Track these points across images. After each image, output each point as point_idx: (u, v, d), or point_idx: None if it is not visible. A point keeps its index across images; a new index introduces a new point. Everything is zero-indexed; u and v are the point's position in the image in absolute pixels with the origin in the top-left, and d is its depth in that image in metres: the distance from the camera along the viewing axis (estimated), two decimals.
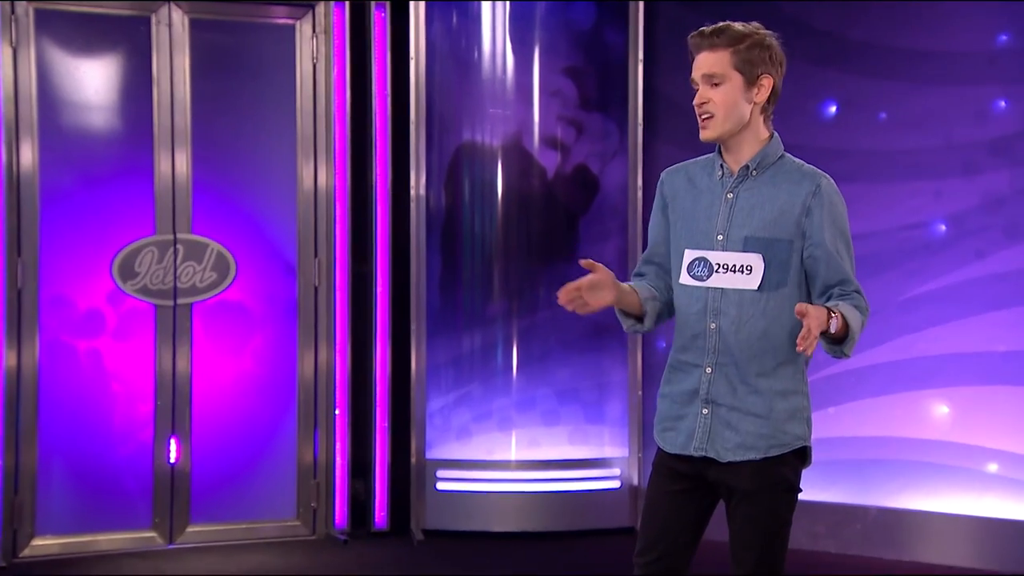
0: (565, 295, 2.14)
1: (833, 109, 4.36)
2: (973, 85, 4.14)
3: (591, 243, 4.59)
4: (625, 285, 2.22)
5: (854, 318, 2.11)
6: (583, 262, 2.13)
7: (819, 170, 2.23)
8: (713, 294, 2.18)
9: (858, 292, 2.18)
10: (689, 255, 2.20)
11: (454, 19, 4.54)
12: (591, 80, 4.56)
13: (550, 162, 4.56)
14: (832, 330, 2.05)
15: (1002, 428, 4.11)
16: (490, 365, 4.53)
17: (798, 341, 1.99)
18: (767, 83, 2.18)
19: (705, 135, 2.19)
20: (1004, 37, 4.11)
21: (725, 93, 2.16)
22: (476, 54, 4.51)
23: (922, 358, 4.22)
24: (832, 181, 2.22)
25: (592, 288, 2.14)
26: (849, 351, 2.13)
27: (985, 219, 4.13)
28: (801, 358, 2.20)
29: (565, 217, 4.59)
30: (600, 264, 2.17)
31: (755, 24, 2.20)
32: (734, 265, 2.16)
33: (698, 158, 2.30)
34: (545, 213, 4.55)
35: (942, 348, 4.18)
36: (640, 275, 2.35)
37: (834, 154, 4.23)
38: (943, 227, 4.20)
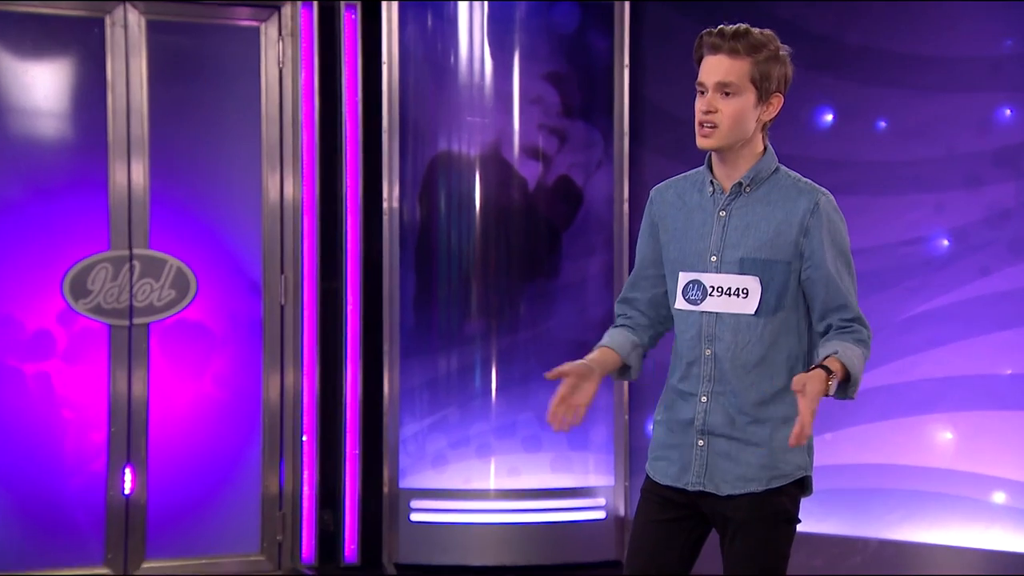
0: (555, 421, 2.14)
1: (829, 117, 4.36)
2: (976, 92, 4.13)
3: (574, 259, 4.58)
4: (599, 353, 2.19)
5: (855, 361, 2.08)
6: (547, 375, 2.12)
7: (817, 185, 2.20)
8: (708, 319, 2.16)
9: (858, 321, 2.15)
10: (683, 278, 2.18)
11: (429, 21, 4.51)
12: (574, 86, 4.55)
13: (531, 173, 4.55)
14: (831, 393, 2.05)
15: (1009, 456, 4.09)
16: (468, 388, 4.51)
17: (790, 440, 1.99)
18: (776, 102, 2.15)
19: (704, 144, 2.15)
20: (1009, 42, 4.11)
21: (736, 106, 2.12)
22: (452, 58, 4.49)
23: (924, 381, 4.20)
24: (831, 197, 2.19)
25: (572, 392, 2.13)
26: (853, 393, 2.11)
27: (990, 234, 4.14)
28: None
29: (547, 231, 4.58)
30: (564, 366, 2.14)
31: (770, 32, 2.16)
32: (729, 288, 2.14)
33: (687, 173, 2.27)
34: (526, 227, 4.54)
35: (945, 371, 4.17)
36: (623, 312, 2.30)
37: (830, 165, 4.22)
38: (945, 242, 4.20)
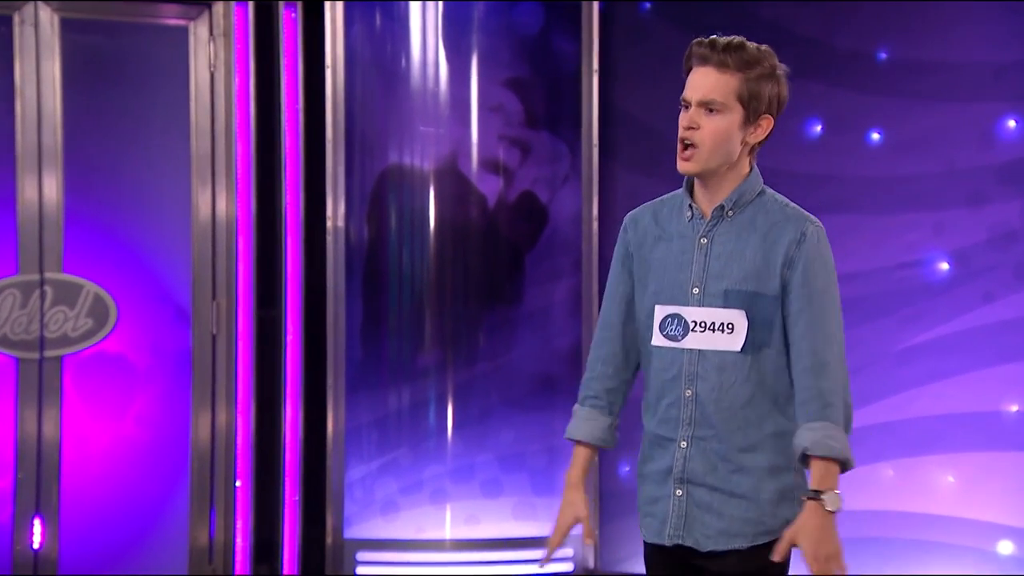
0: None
1: (817, 128, 4.34)
2: (978, 101, 4.13)
3: (539, 283, 4.53)
4: (579, 458, 2.25)
5: (832, 442, 2.05)
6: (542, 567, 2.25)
7: (806, 212, 2.16)
8: (690, 356, 2.13)
9: (833, 392, 2.09)
10: (660, 311, 2.15)
11: (377, 21, 4.46)
12: (538, 93, 4.53)
13: (491, 189, 4.50)
14: (832, 508, 2.04)
15: (1016, 502, 4.06)
16: (421, 427, 4.46)
17: (774, 555, 2.05)
18: (766, 125, 2.14)
19: (684, 167, 2.13)
20: (1014, 47, 4.12)
21: (719, 125, 2.11)
22: (404, 62, 4.44)
23: (923, 419, 4.18)
24: (820, 227, 2.15)
25: (568, 527, 2.21)
26: (850, 466, 2.09)
27: (993, 256, 4.13)
28: (794, 428, 2.13)
29: (508, 253, 4.54)
30: (555, 535, 2.23)
31: (767, 48, 2.14)
32: (713, 323, 2.12)
33: (664, 196, 2.24)
34: (485, 248, 4.50)
35: (945, 407, 4.16)
36: (592, 394, 2.26)
37: (818, 181, 4.25)
38: (945, 266, 4.20)
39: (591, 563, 4.50)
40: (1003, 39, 4.09)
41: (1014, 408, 4.06)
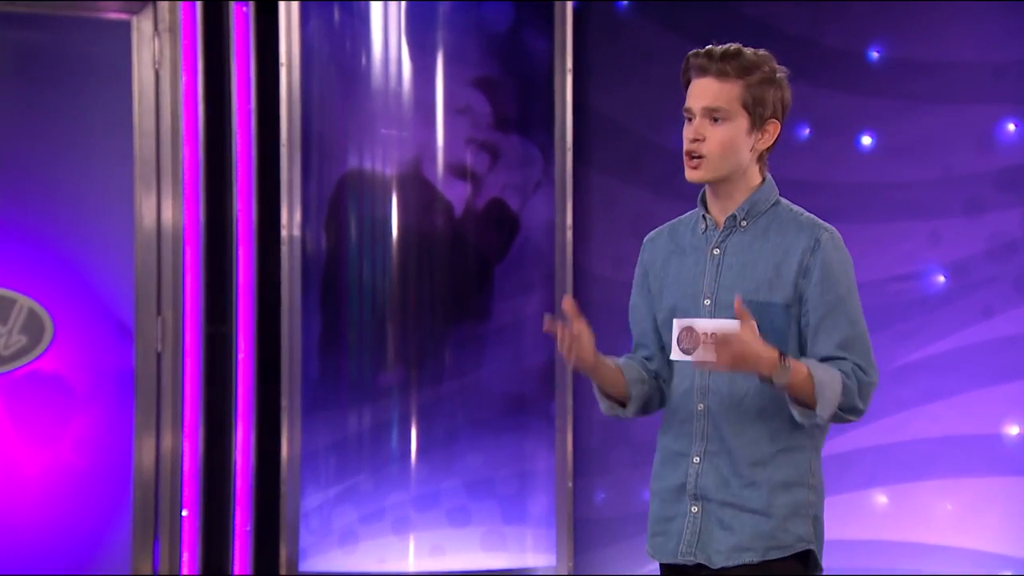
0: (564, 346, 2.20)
1: (805, 132, 4.31)
2: (976, 104, 4.10)
3: (509, 297, 4.47)
4: (608, 360, 2.28)
5: (824, 376, 2.11)
6: (566, 303, 2.18)
7: (820, 220, 2.23)
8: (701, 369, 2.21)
9: (859, 367, 2.16)
10: (677, 325, 2.24)
11: (336, 16, 4.40)
12: (508, 94, 4.47)
13: (458, 195, 4.44)
14: (781, 381, 2.07)
15: (1018, 530, 4.02)
16: (383, 451, 4.40)
17: (692, 360, 2.14)
18: (772, 129, 2.21)
19: (692, 176, 2.21)
20: (1014, 46, 4.08)
21: (725, 133, 2.18)
22: (364, 60, 4.39)
23: (917, 442, 4.14)
24: (836, 234, 2.21)
25: (575, 341, 2.19)
26: (824, 413, 2.12)
27: (993, 268, 4.10)
28: (808, 443, 2.20)
29: (476, 264, 4.49)
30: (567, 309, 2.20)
31: (765, 53, 2.22)
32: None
33: (683, 215, 2.33)
34: (452, 259, 4.45)
35: (943, 429, 4.12)
36: (636, 354, 2.37)
37: (806, 187, 4.16)
38: (941, 278, 4.17)
39: None
40: (1002, 37, 4.07)
41: (1015, 430, 4.02)
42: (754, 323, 2.07)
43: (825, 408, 2.10)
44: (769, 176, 2.24)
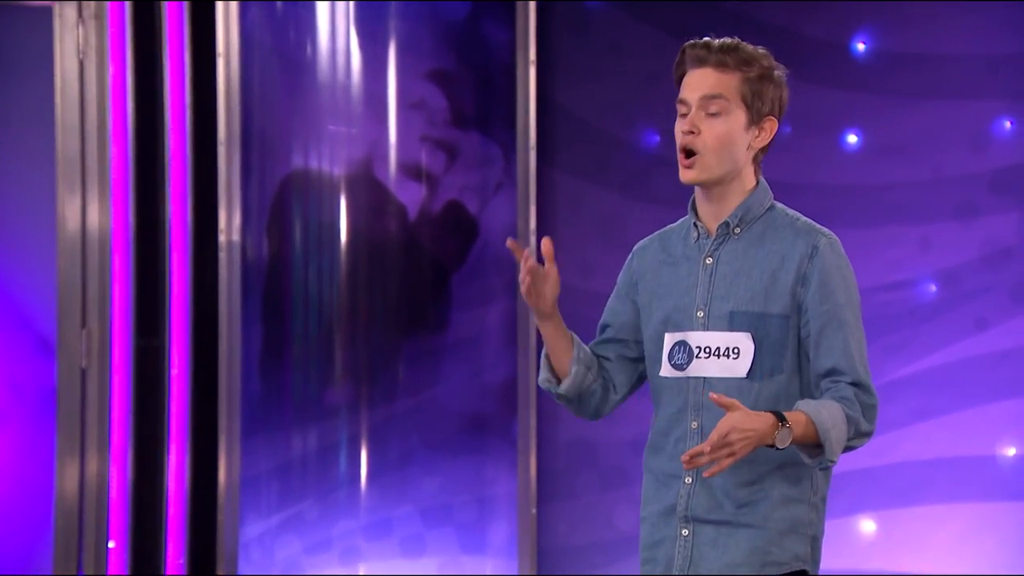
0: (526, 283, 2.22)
1: (786, 130, 4.39)
2: (969, 100, 4.13)
3: (468, 307, 4.44)
4: (567, 329, 2.30)
5: (825, 419, 2.10)
6: (545, 244, 2.18)
7: (819, 226, 2.23)
8: (694, 385, 2.20)
9: (856, 385, 2.17)
10: (669, 340, 2.24)
11: (278, 4, 4.37)
12: (466, 88, 4.44)
13: (412, 198, 4.40)
14: (784, 445, 2.06)
15: (1015, 557, 4.03)
16: (330, 474, 4.35)
17: (682, 457, 2.08)
18: (770, 127, 2.21)
19: (687, 176, 2.20)
20: (1010, 39, 4.11)
21: (722, 127, 2.18)
22: (310, 51, 4.35)
23: (908, 464, 4.14)
24: (835, 240, 2.22)
25: (536, 278, 2.20)
26: (833, 457, 2.11)
27: (987, 277, 4.12)
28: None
29: (432, 272, 4.47)
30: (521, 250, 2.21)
31: (764, 50, 2.24)
32: (718, 348, 2.19)
33: (673, 224, 2.34)
34: (405, 267, 4.42)
35: (934, 450, 4.12)
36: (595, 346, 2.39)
37: (786, 189, 4.34)
38: (932, 287, 4.19)
39: None
40: (998, 28, 4.09)
41: (1011, 451, 4.03)
42: (741, 408, 2.05)
43: (834, 452, 2.10)
44: (763, 179, 2.25)
